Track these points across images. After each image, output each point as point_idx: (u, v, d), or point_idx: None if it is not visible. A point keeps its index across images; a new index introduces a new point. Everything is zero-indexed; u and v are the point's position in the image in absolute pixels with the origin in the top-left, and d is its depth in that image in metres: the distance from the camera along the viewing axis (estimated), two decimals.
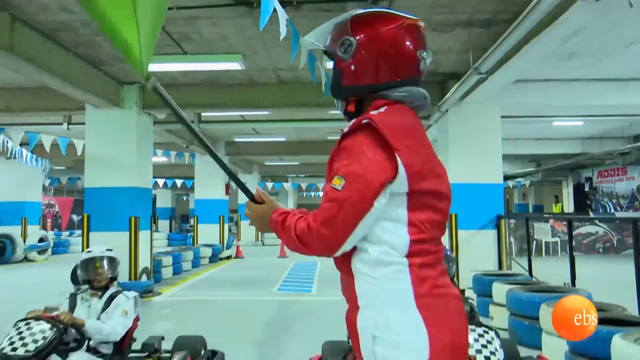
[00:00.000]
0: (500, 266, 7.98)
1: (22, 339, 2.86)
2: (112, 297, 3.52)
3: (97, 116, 8.18)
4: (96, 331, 3.21)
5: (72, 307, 3.44)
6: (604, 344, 3.42)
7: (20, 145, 9.72)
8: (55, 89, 6.86)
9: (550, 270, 7.26)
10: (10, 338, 2.87)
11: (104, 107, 8.01)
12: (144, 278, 8.29)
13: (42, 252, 14.90)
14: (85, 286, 3.53)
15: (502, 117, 8.40)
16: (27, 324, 2.96)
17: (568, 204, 21.67)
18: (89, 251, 3.63)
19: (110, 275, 3.59)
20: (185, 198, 35.31)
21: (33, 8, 5.51)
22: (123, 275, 7.47)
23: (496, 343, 2.66)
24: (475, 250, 7.93)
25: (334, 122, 9.92)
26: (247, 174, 20.85)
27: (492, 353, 2.59)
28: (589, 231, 15.17)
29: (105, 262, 3.56)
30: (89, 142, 8.26)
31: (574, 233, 14.80)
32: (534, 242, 14.18)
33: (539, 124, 11.66)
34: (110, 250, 3.72)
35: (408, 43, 1.45)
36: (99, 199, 8.20)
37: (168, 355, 3.92)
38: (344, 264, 1.45)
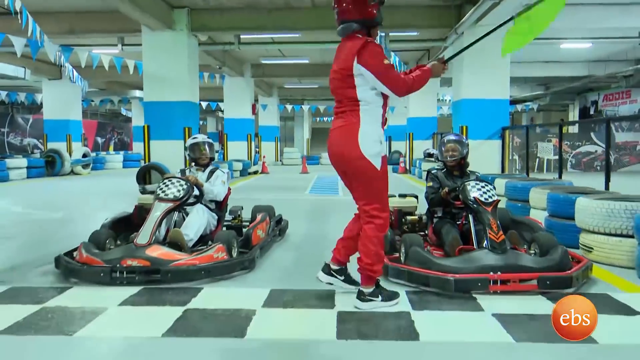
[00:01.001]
0: (502, 171, 9.26)
1: (168, 188, 4.19)
2: (212, 172, 4.84)
3: (152, 38, 9.22)
4: (209, 191, 4.55)
5: None
6: (574, 207, 4.69)
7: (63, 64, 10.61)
8: (125, 13, 7.88)
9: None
10: (161, 188, 4.20)
11: (159, 29, 9.03)
12: None
13: (85, 166, 16.36)
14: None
15: None
16: (170, 180, 4.29)
17: (573, 127, 22.59)
18: (195, 137, 4.91)
19: (210, 156, 4.89)
20: (203, 122, 36.38)
21: None
22: None
23: (492, 190, 3.98)
24: (482, 158, 9.04)
25: None
26: (267, 97, 21.88)
27: (490, 197, 3.90)
28: (589, 150, 16.33)
29: (206, 146, 4.85)
30: (146, 61, 9.35)
31: (574, 151, 16.06)
32: (537, 159, 15.38)
33: (548, 46, 12.47)
34: (209, 137, 5.01)
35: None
36: (156, 111, 9.42)
37: (247, 221, 5.31)
38: None
